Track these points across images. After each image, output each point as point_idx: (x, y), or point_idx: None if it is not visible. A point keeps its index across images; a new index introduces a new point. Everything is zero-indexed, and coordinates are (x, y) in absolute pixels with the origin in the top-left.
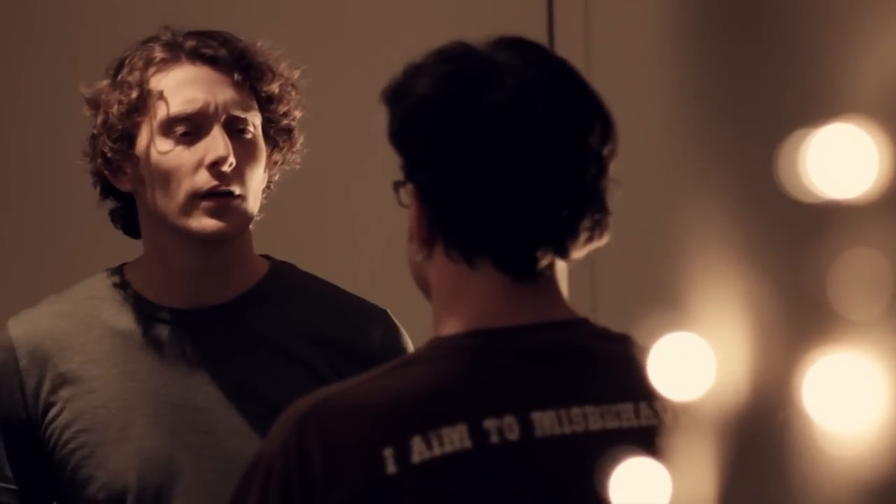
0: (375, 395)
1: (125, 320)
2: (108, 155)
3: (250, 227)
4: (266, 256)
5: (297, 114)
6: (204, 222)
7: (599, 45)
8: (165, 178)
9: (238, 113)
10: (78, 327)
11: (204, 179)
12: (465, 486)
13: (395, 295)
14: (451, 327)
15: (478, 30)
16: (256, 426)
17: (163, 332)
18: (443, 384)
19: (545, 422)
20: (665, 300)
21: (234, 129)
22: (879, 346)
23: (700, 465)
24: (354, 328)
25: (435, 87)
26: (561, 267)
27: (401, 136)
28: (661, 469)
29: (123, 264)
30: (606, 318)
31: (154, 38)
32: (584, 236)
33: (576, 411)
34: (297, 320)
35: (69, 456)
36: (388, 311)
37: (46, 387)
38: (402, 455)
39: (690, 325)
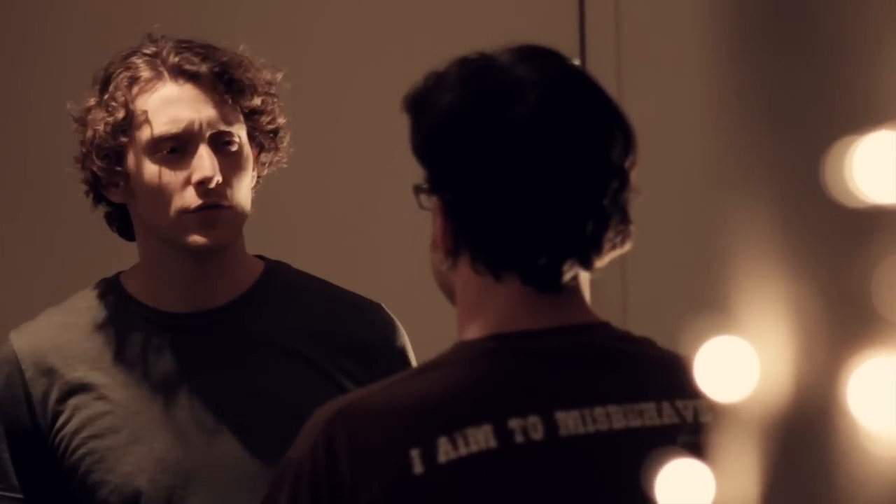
0: (401, 397)
1: (126, 327)
2: (98, 172)
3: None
4: (260, 257)
5: (282, 120)
6: (195, 236)
7: (636, 49)
8: (154, 195)
9: (223, 127)
10: (80, 337)
11: (192, 197)
12: (490, 485)
13: (389, 289)
14: (474, 332)
15: (508, 35)
16: (262, 424)
17: (164, 337)
18: (467, 386)
19: (569, 421)
20: (709, 304)
21: (220, 142)
22: None
23: (742, 465)
24: (351, 323)
25: (460, 104)
26: (584, 274)
27: (426, 150)
28: (687, 466)
29: (119, 273)
30: (646, 323)
31: (137, 51)
32: (607, 247)
33: (599, 410)
34: (295, 318)
35: (80, 462)
36: (383, 305)
37: (54, 396)
38: (429, 455)
39: (735, 328)
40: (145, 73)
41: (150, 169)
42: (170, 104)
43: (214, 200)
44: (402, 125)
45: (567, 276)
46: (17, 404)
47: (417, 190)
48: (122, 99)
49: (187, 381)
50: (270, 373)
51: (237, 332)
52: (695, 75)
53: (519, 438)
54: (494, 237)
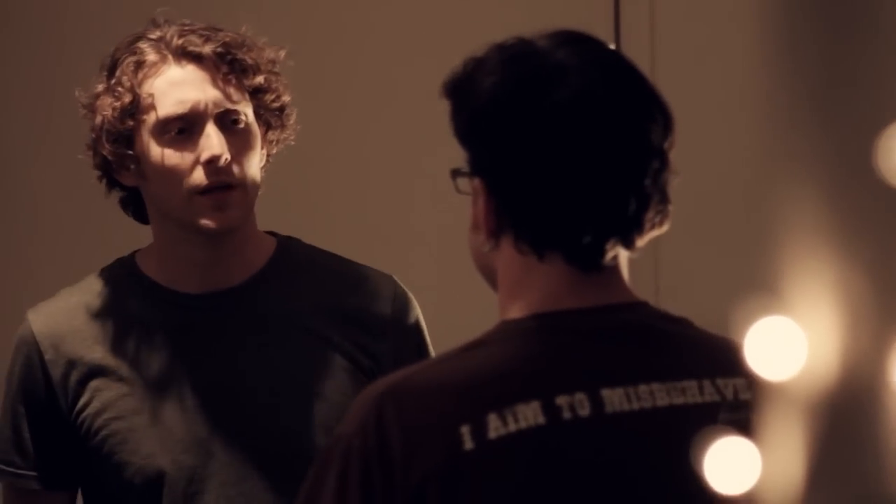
0: (449, 375)
1: (143, 309)
2: (109, 156)
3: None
4: (271, 233)
5: (287, 97)
6: (207, 218)
7: (697, 31)
8: (165, 177)
9: (228, 106)
10: (98, 319)
11: (202, 176)
12: (539, 460)
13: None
14: (517, 311)
15: (545, 24)
16: (281, 401)
17: (181, 318)
18: (514, 364)
19: (615, 398)
20: (758, 285)
21: (227, 121)
22: None
23: (790, 443)
24: (365, 297)
25: (503, 87)
26: (623, 254)
27: (470, 133)
28: (730, 443)
29: (135, 252)
30: (702, 303)
31: (142, 36)
32: (647, 227)
33: (643, 388)
34: (309, 294)
35: (102, 443)
36: (395, 277)
37: (74, 378)
38: (479, 431)
39: (784, 309)
40: (150, 56)
41: (159, 150)
42: (175, 86)
43: (224, 179)
44: (409, 103)
45: (609, 256)
46: (38, 386)
47: (455, 173)
48: (128, 83)
49: (205, 361)
50: (286, 350)
51: (252, 311)
52: (742, 55)
53: (566, 415)
54: (539, 217)
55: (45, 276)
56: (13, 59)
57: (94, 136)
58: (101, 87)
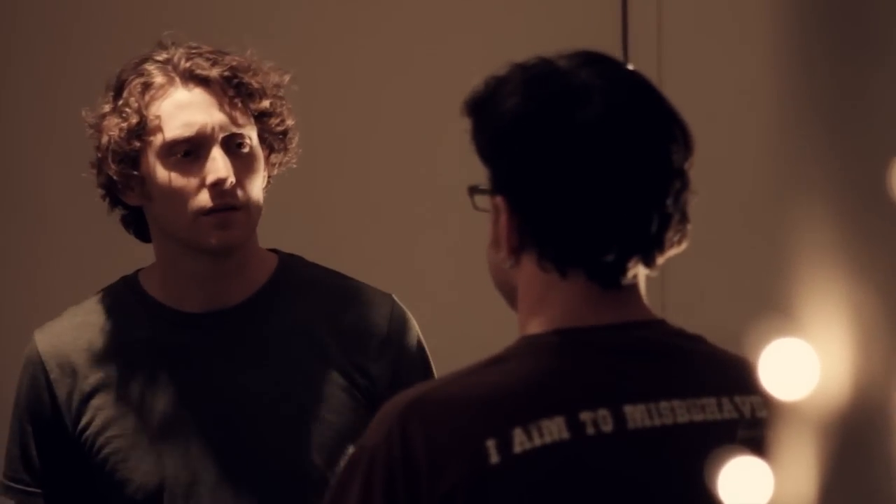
0: (474, 388)
1: (146, 327)
2: (114, 176)
3: None
4: (273, 250)
5: (290, 122)
6: (210, 237)
7: (707, 47)
8: (170, 198)
9: (234, 130)
10: (102, 337)
11: (207, 199)
12: (564, 475)
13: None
14: (537, 326)
15: (554, 35)
16: (279, 418)
17: (183, 336)
18: (538, 378)
19: (636, 414)
20: (772, 306)
21: (232, 144)
22: None
23: (803, 461)
24: (363, 316)
25: (527, 106)
26: (642, 272)
27: (492, 151)
28: (747, 460)
29: (138, 271)
30: (712, 323)
31: (149, 58)
32: (668, 246)
33: (664, 404)
34: (309, 312)
35: (105, 460)
36: (394, 296)
37: (77, 397)
38: (505, 446)
39: (797, 330)
40: (158, 79)
41: (165, 172)
42: (182, 109)
43: (228, 202)
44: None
45: (630, 274)
46: (43, 404)
47: (473, 190)
48: (135, 105)
49: (206, 380)
50: (286, 368)
51: (254, 330)
52: (753, 73)
53: (590, 430)
54: (562, 235)
55: (52, 294)
56: (22, 76)
57: (99, 155)
58: (107, 108)
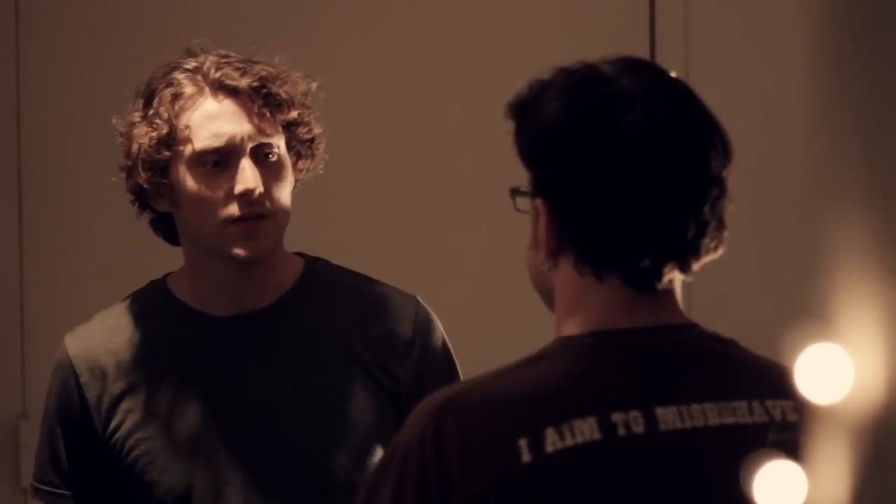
0: (507, 388)
1: (175, 331)
2: (144, 184)
3: None
4: (299, 254)
5: (318, 129)
6: (238, 247)
7: (735, 50)
8: (199, 206)
9: (262, 140)
10: (131, 341)
11: (235, 208)
12: (595, 475)
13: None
14: (573, 328)
15: (581, 39)
16: (306, 420)
17: (211, 340)
18: (570, 380)
19: (668, 416)
20: (807, 312)
21: (261, 154)
22: None
23: (837, 465)
24: (388, 317)
25: (569, 111)
26: (678, 277)
27: (534, 155)
28: (778, 463)
29: (167, 275)
30: (747, 328)
31: (178, 66)
32: (704, 252)
33: (695, 407)
34: (335, 315)
35: (134, 463)
36: (419, 297)
37: (107, 400)
38: (537, 445)
39: (831, 335)
40: (187, 89)
41: (194, 181)
42: (212, 119)
43: (257, 210)
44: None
45: (665, 279)
46: (74, 407)
47: (515, 192)
48: (165, 115)
49: (234, 382)
50: (313, 370)
51: (281, 333)
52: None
53: (621, 431)
54: (600, 239)
55: (81, 299)
56: (52, 80)
57: (129, 162)
58: (137, 116)
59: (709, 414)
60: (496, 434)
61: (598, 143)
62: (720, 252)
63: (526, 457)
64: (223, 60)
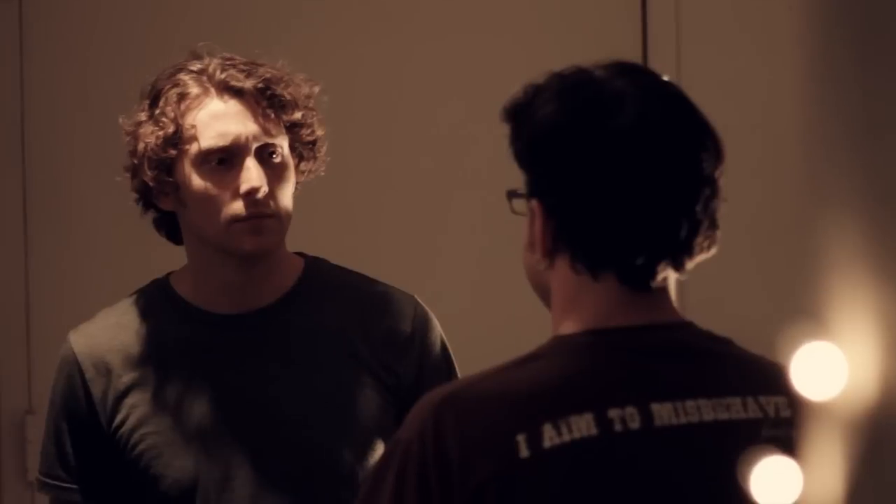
0: (506, 385)
1: (178, 328)
2: (149, 182)
3: None
4: (299, 254)
5: (320, 132)
6: (243, 243)
7: (727, 51)
8: (204, 205)
9: (267, 140)
10: (134, 338)
11: (240, 207)
12: (591, 469)
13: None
14: (569, 327)
15: (575, 39)
16: (308, 416)
17: (214, 337)
18: (568, 377)
19: (663, 412)
20: (801, 311)
21: (265, 154)
22: None
23: (831, 461)
24: (387, 316)
25: (562, 113)
26: (672, 276)
27: (529, 156)
28: (772, 458)
29: (169, 274)
30: (742, 327)
31: (183, 68)
32: (697, 251)
33: (690, 403)
34: (336, 313)
35: (139, 457)
36: (416, 297)
37: (112, 395)
38: (534, 440)
39: (826, 334)
40: (193, 89)
41: (200, 180)
42: (217, 119)
43: (261, 210)
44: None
45: (660, 277)
46: (79, 402)
47: (511, 195)
48: (171, 114)
49: (236, 379)
50: (314, 368)
51: (282, 330)
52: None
53: (618, 427)
54: (595, 238)
55: (85, 297)
56: (58, 79)
57: (135, 161)
58: (143, 116)
59: (703, 410)
60: (495, 429)
61: (591, 144)
62: (713, 251)
63: (524, 452)
64: (228, 62)
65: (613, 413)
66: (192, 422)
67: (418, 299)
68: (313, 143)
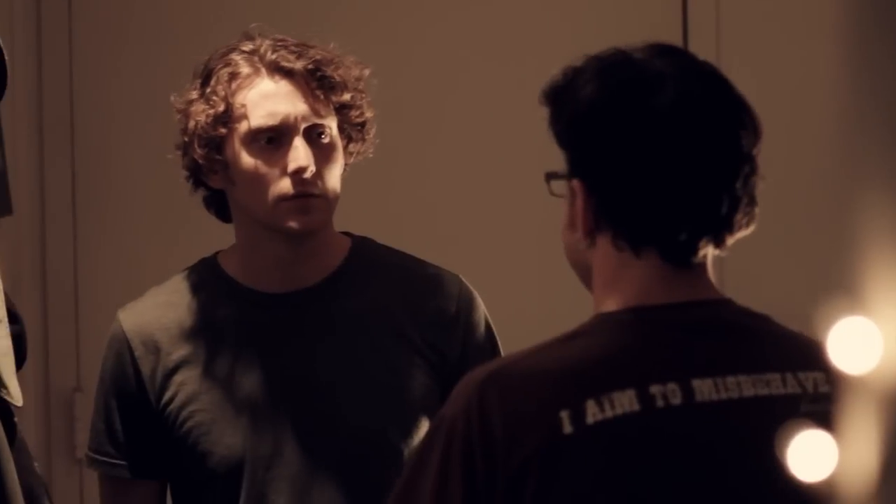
0: (549, 362)
1: (226, 307)
2: (199, 160)
3: None
4: (346, 233)
5: (369, 114)
6: (290, 222)
7: (767, 34)
8: (252, 183)
9: (316, 121)
10: (183, 316)
11: (288, 185)
12: (634, 445)
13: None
14: (612, 304)
15: (615, 27)
16: (354, 395)
17: (262, 316)
18: (610, 354)
19: (704, 388)
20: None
21: (313, 134)
22: None
23: (866, 434)
24: (432, 295)
25: (603, 92)
26: (711, 253)
27: (570, 136)
28: (811, 432)
29: (217, 252)
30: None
31: (235, 48)
32: (736, 227)
33: (730, 379)
34: (382, 292)
35: (188, 434)
36: (461, 276)
37: (160, 373)
38: (578, 417)
39: (860, 308)
40: (244, 69)
41: (248, 159)
42: (267, 98)
43: (308, 189)
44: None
45: (701, 253)
46: (129, 380)
47: (550, 176)
48: (222, 93)
49: (282, 357)
50: (360, 346)
51: (329, 309)
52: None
53: (659, 403)
54: (638, 215)
55: (133, 275)
56: (113, 63)
57: (185, 139)
58: (195, 94)
59: (743, 386)
60: (539, 406)
61: (632, 122)
62: (752, 228)
63: (567, 428)
64: (279, 44)
65: (655, 389)
66: (240, 399)
67: (463, 279)
68: (362, 124)
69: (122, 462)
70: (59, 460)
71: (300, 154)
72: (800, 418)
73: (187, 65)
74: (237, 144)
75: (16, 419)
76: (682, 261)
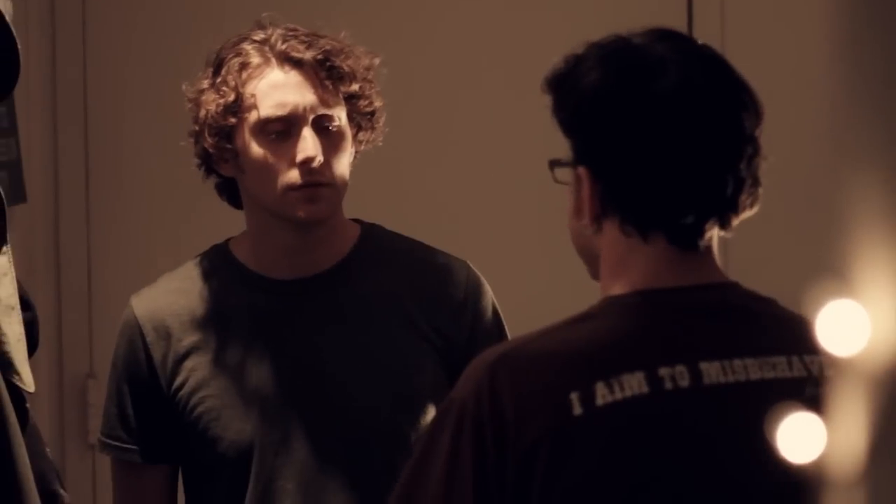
0: (559, 345)
1: (237, 294)
2: (210, 149)
3: None
4: (356, 220)
5: (378, 103)
6: (297, 210)
7: (770, 21)
8: (261, 172)
9: (324, 111)
10: (194, 302)
11: (296, 175)
12: (642, 427)
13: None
14: (619, 288)
15: (620, 15)
16: (365, 377)
17: (272, 302)
18: (619, 337)
19: (712, 371)
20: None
21: (322, 124)
22: None
23: (855, 417)
24: (443, 281)
25: (607, 79)
26: (716, 236)
27: (575, 123)
28: (812, 417)
29: (228, 240)
30: (771, 285)
31: (247, 38)
32: (741, 209)
33: (737, 362)
34: (391, 279)
35: (198, 419)
36: (469, 262)
37: (172, 359)
38: (587, 398)
39: (848, 291)
40: (255, 59)
41: (258, 148)
42: (277, 89)
43: (316, 179)
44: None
45: (707, 236)
46: (140, 365)
47: (554, 164)
48: (233, 83)
49: (292, 343)
50: (369, 332)
51: (339, 295)
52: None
53: (668, 385)
54: (644, 199)
55: (146, 261)
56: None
57: (196, 128)
58: (206, 83)
59: (750, 369)
60: (549, 388)
61: (637, 107)
62: (756, 208)
63: (577, 409)
64: (290, 33)
65: (664, 371)
66: (250, 385)
67: (471, 265)
68: (371, 113)
69: (133, 447)
70: (73, 446)
71: (308, 145)
72: (804, 401)
73: (200, 53)
74: (247, 134)
75: (28, 405)
76: (690, 244)
